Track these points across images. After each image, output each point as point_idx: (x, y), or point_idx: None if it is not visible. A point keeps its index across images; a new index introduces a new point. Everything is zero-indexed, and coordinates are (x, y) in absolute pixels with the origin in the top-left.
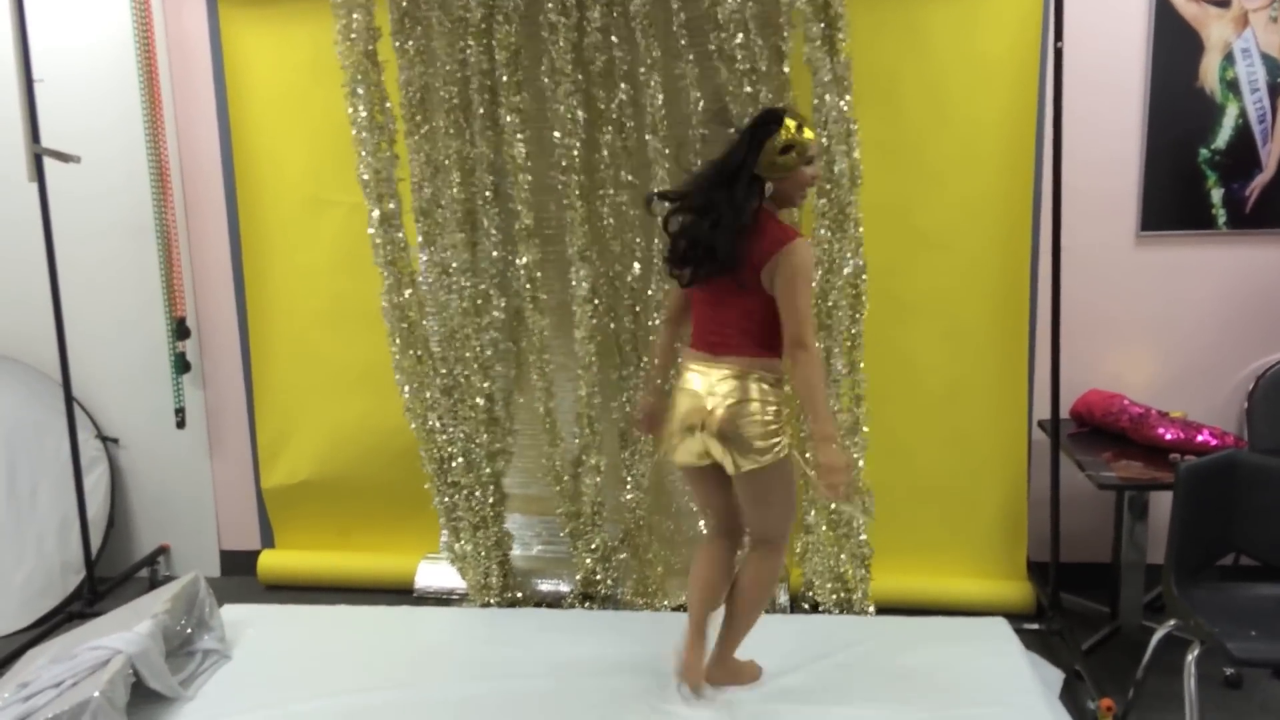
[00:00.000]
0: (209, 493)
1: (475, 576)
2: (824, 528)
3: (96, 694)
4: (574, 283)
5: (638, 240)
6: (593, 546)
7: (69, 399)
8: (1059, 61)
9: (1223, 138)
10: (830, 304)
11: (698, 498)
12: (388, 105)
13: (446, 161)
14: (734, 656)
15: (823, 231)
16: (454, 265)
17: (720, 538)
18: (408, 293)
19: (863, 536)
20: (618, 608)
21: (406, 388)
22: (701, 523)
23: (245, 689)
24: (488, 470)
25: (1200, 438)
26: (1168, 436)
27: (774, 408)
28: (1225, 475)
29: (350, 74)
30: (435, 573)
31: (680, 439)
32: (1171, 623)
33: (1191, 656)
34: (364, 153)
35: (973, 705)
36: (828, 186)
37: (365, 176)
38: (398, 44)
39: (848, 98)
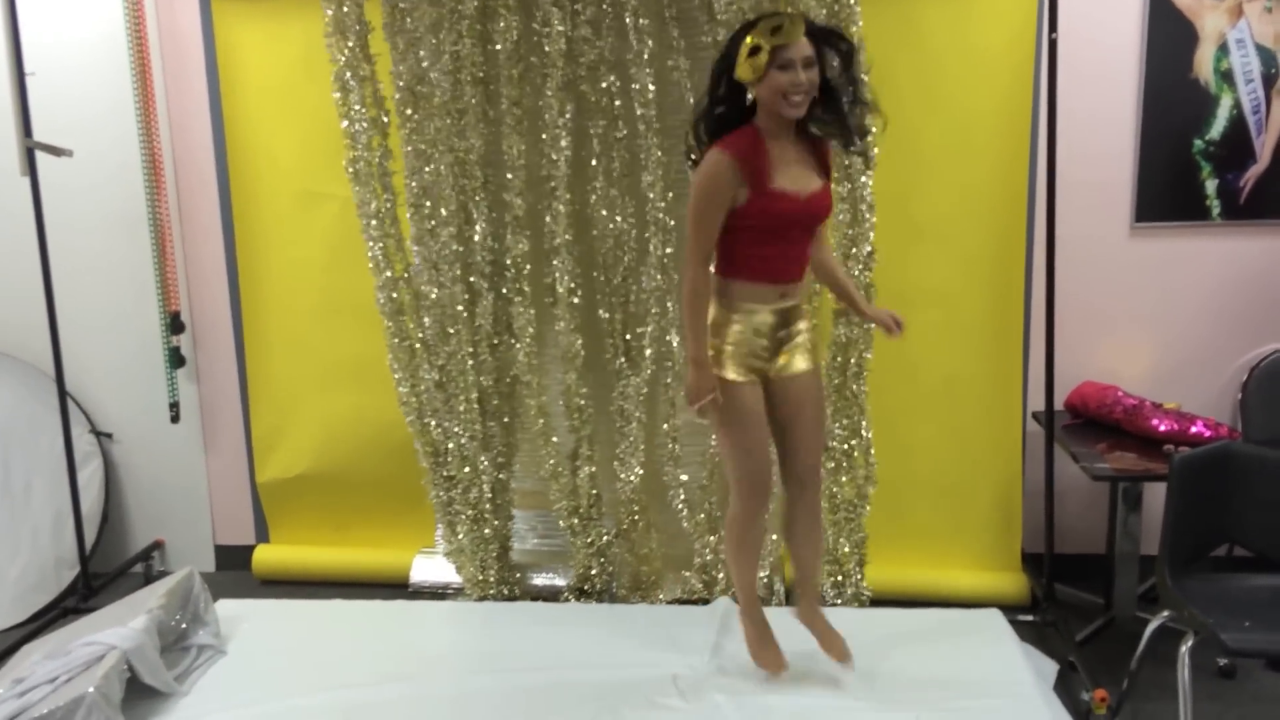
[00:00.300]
0: (203, 487)
1: (471, 570)
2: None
3: (91, 690)
4: (559, 274)
5: (631, 231)
6: (588, 540)
7: (62, 394)
8: (1054, 52)
9: (1217, 129)
10: None
11: None
12: (380, 97)
13: (436, 154)
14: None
15: (841, 217)
16: (446, 257)
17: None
18: (402, 286)
19: (861, 519)
20: (614, 602)
21: (401, 381)
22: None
23: (240, 684)
24: (483, 464)
25: (1194, 429)
26: (1162, 428)
27: (716, 331)
28: (1219, 466)
29: (341, 66)
30: (431, 567)
31: None
32: (1165, 614)
33: (1185, 647)
34: (356, 145)
35: (967, 697)
36: (846, 167)
37: (358, 169)
38: (389, 36)
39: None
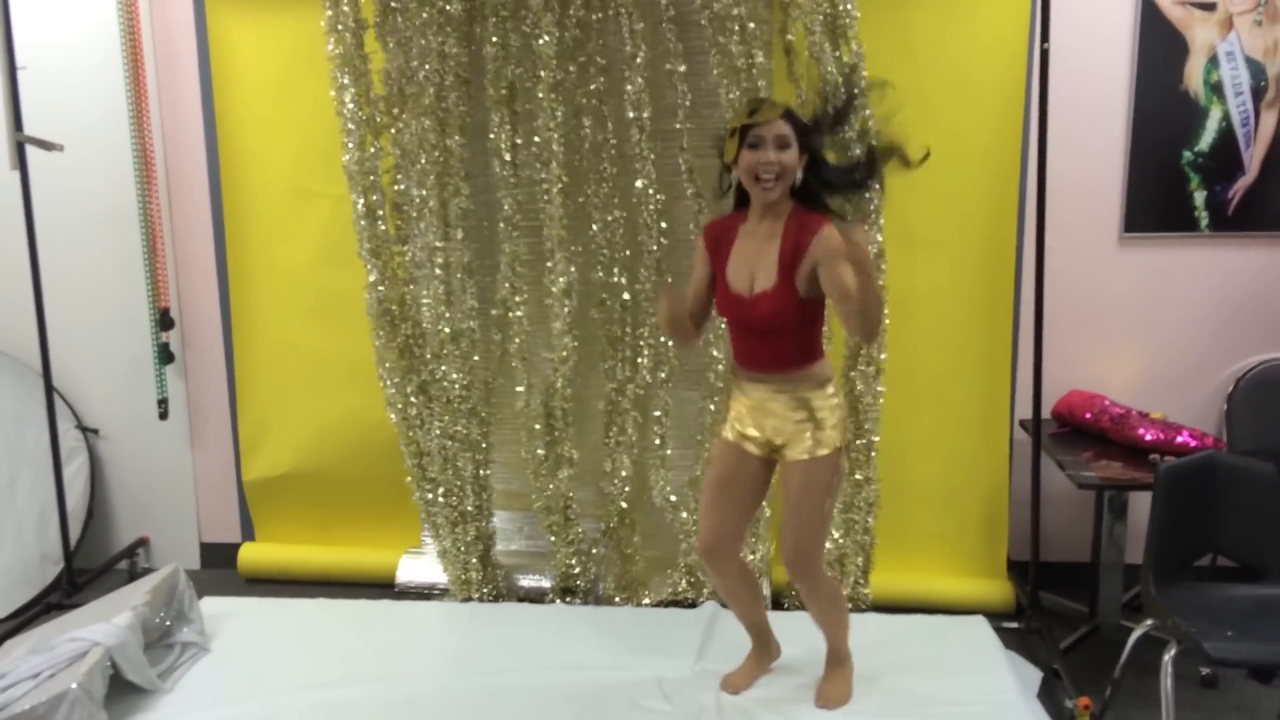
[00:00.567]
0: (189, 485)
1: (456, 571)
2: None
3: (74, 686)
4: (553, 275)
5: (620, 235)
6: (568, 540)
7: (49, 389)
8: (1045, 62)
9: (1206, 140)
10: None
11: None
12: (373, 96)
13: (423, 154)
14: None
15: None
16: (434, 258)
17: None
18: (391, 285)
19: (870, 522)
20: (599, 603)
21: (389, 381)
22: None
23: (224, 682)
24: (469, 465)
25: (1180, 439)
26: (1148, 437)
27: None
28: (1204, 476)
29: (336, 64)
30: (416, 567)
31: None
32: (1149, 622)
33: (1168, 656)
34: (349, 144)
35: (951, 703)
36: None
37: (351, 168)
38: (380, 35)
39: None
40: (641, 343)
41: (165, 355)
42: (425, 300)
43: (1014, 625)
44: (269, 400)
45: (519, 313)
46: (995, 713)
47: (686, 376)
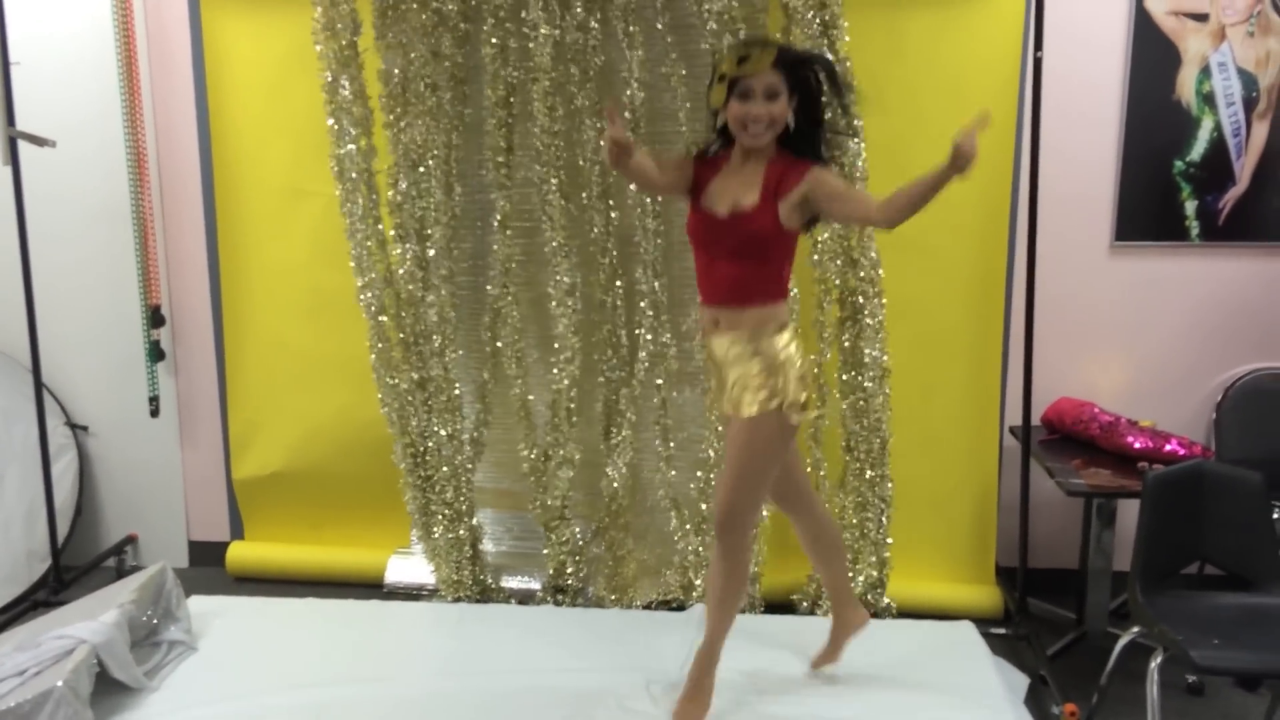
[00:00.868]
0: (178, 483)
1: (445, 572)
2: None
3: (60, 683)
4: (558, 276)
5: (613, 237)
6: (563, 539)
7: (38, 385)
8: (1038, 71)
9: (1198, 150)
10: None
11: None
12: (366, 96)
13: (420, 155)
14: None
15: (840, 229)
16: (430, 258)
17: None
18: (384, 285)
19: (884, 528)
20: (589, 604)
21: (382, 380)
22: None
23: (211, 680)
24: (460, 465)
25: (1169, 447)
26: (1137, 445)
27: None
28: (1192, 485)
29: (329, 64)
30: (406, 568)
31: None
32: (1136, 629)
33: (1155, 663)
34: (342, 143)
35: (938, 709)
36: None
37: (343, 167)
38: (378, 36)
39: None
40: (637, 343)
41: (156, 352)
42: (419, 299)
43: (1002, 631)
44: (260, 399)
45: (514, 313)
46: (982, 718)
47: (684, 377)
